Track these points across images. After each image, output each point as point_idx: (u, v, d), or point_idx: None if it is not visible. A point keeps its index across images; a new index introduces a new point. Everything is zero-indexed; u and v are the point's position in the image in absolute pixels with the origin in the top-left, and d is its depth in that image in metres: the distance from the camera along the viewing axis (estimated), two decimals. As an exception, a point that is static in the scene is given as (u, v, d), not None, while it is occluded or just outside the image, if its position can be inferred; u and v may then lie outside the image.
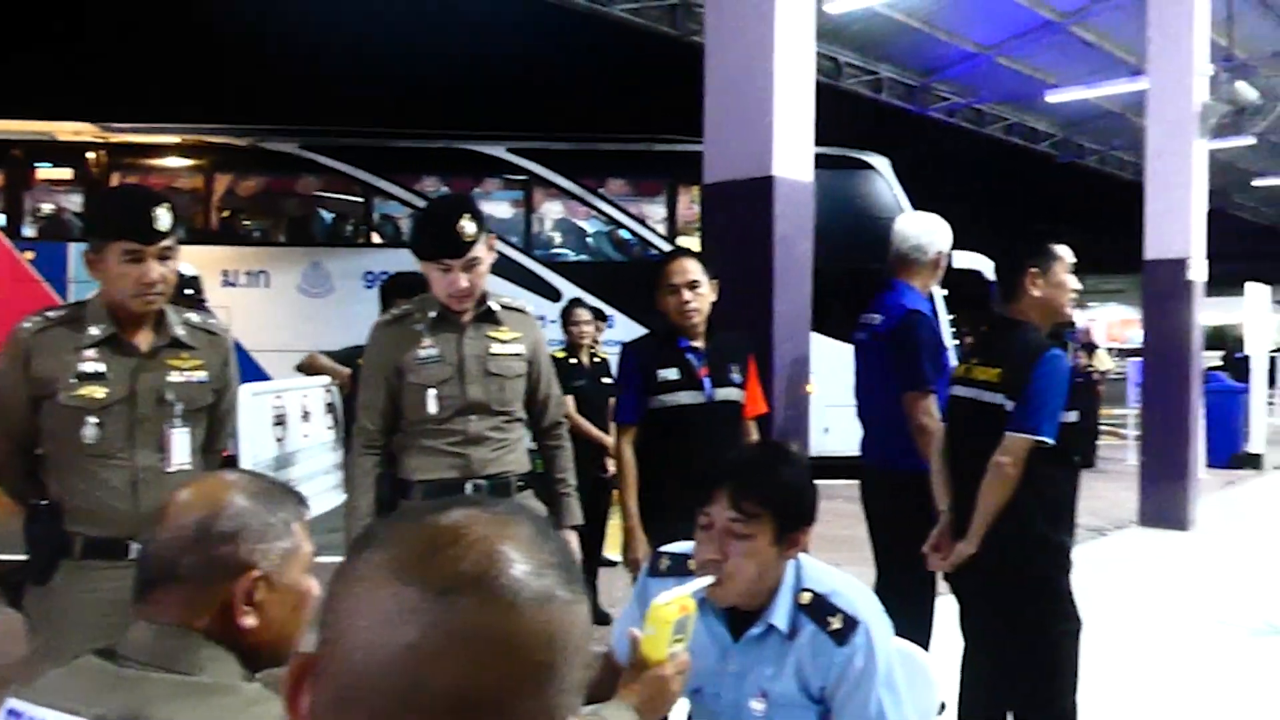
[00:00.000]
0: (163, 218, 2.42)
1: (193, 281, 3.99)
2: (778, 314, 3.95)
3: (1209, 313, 19.50)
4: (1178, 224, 7.64)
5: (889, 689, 1.84)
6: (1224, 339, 21.53)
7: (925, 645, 3.80)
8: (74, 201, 10.49)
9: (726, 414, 3.46)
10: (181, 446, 2.54)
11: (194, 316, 2.70)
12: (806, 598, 1.88)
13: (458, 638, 0.65)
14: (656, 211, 11.25)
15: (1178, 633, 5.23)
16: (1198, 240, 7.68)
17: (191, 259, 9.60)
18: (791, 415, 4.08)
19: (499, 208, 11.14)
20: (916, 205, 10.40)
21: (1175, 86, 7.67)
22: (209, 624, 1.29)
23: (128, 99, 14.43)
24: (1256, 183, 19.61)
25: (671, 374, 3.37)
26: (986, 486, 2.89)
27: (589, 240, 11.20)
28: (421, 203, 10.55)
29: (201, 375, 2.61)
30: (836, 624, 1.84)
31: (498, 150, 10.68)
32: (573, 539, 2.99)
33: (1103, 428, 12.89)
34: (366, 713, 0.65)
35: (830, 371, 5.61)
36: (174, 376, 2.55)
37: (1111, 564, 6.81)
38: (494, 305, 2.92)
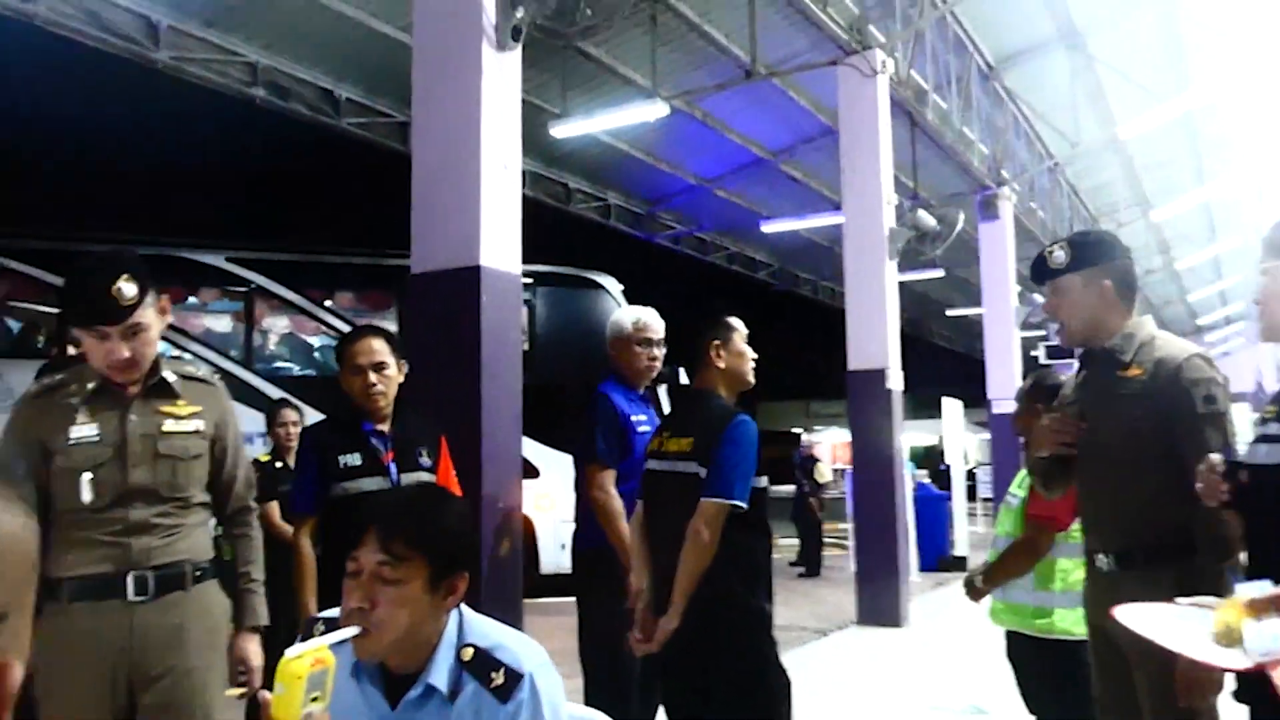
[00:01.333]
0: None
1: None
2: (486, 403, 3.88)
3: (915, 434, 21.00)
4: (875, 337, 8.26)
5: None
6: (931, 458, 23.38)
7: None
8: None
9: None
10: None
11: None
12: (469, 653, 1.72)
13: None
14: (387, 326, 11.00)
15: (896, 718, 5.40)
16: (894, 352, 8.32)
17: None
18: (503, 510, 3.96)
19: (218, 320, 10.54)
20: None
21: (867, 214, 8.41)
22: None
23: None
24: (950, 313, 21.76)
25: (354, 459, 3.15)
26: (685, 555, 2.86)
27: (315, 354, 10.77)
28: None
29: None
30: (499, 679, 1.69)
31: (216, 259, 10.14)
32: (254, 642, 2.64)
33: (827, 540, 13.52)
34: None
35: (568, 487, 5.52)
36: None
37: (833, 660, 7.02)
38: (169, 375, 2.55)
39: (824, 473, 13.60)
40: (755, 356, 3.18)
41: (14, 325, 10.02)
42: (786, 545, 14.28)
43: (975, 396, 15.17)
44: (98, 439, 2.43)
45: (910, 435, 20.42)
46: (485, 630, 1.78)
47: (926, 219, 8.42)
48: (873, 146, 8.46)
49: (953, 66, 10.67)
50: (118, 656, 2.34)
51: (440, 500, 1.81)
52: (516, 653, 1.74)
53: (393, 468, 3.20)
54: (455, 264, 3.97)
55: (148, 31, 8.51)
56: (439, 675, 1.70)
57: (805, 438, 14.52)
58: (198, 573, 2.52)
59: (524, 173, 12.01)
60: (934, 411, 14.10)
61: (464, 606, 1.79)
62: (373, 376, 3.21)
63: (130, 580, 2.38)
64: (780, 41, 9.48)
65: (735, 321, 3.16)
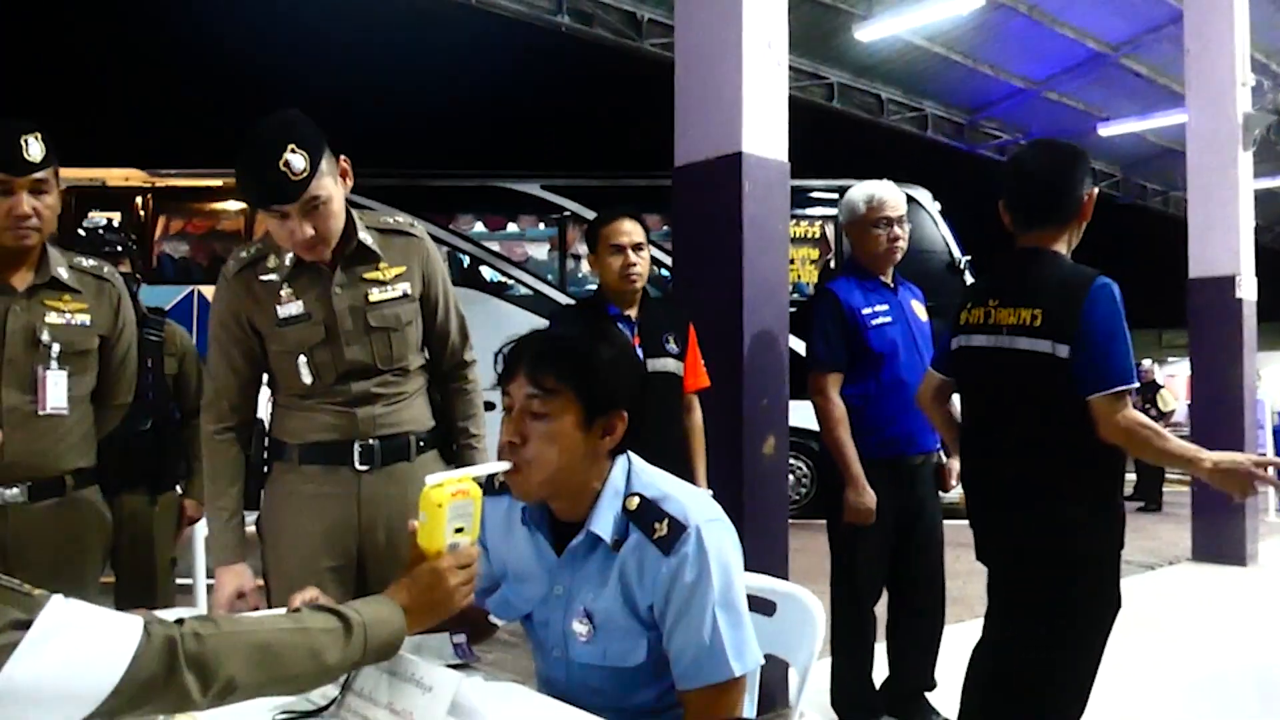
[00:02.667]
0: (33, 147, 2.33)
1: (115, 239, 3.81)
2: (748, 293, 3.74)
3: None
4: (1223, 240, 7.25)
5: (728, 609, 1.58)
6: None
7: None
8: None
9: (661, 387, 3.27)
10: (57, 390, 2.43)
11: (85, 260, 2.61)
12: (634, 502, 1.63)
13: None
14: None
15: (1226, 655, 4.82)
16: (1246, 257, 7.27)
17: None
18: (767, 408, 3.84)
19: (536, 247, 11.10)
20: (969, 243, 10.12)
21: (1215, 98, 7.34)
22: None
23: (175, 145, 14.87)
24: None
25: None
26: (1146, 458, 2.47)
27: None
28: (458, 242, 10.56)
29: (83, 319, 2.51)
30: (662, 530, 1.59)
31: (532, 188, 10.67)
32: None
33: (1171, 475, 12.25)
34: None
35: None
36: (52, 318, 2.45)
37: (1161, 595, 6.36)
38: (366, 237, 2.35)
39: (1167, 400, 12.32)
40: None
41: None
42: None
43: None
44: (307, 317, 2.32)
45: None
46: (655, 481, 1.68)
47: (1292, 100, 7.23)
48: (1224, 18, 7.33)
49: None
50: (344, 521, 2.34)
51: (594, 336, 1.69)
52: (684, 505, 1.63)
53: (639, 353, 3.19)
54: (716, 153, 3.84)
55: (462, -31, 9.00)
56: (602, 523, 1.63)
57: (1147, 364, 13.16)
58: (420, 443, 2.44)
59: (832, 84, 11.83)
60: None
61: (634, 456, 1.71)
62: (632, 256, 3.22)
63: (356, 449, 2.34)
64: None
65: None
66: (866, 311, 3.49)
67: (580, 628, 1.65)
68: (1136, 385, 2.44)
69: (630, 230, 3.25)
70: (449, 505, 1.46)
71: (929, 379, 3.01)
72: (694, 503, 1.64)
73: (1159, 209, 17.35)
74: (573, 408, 1.60)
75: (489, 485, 1.82)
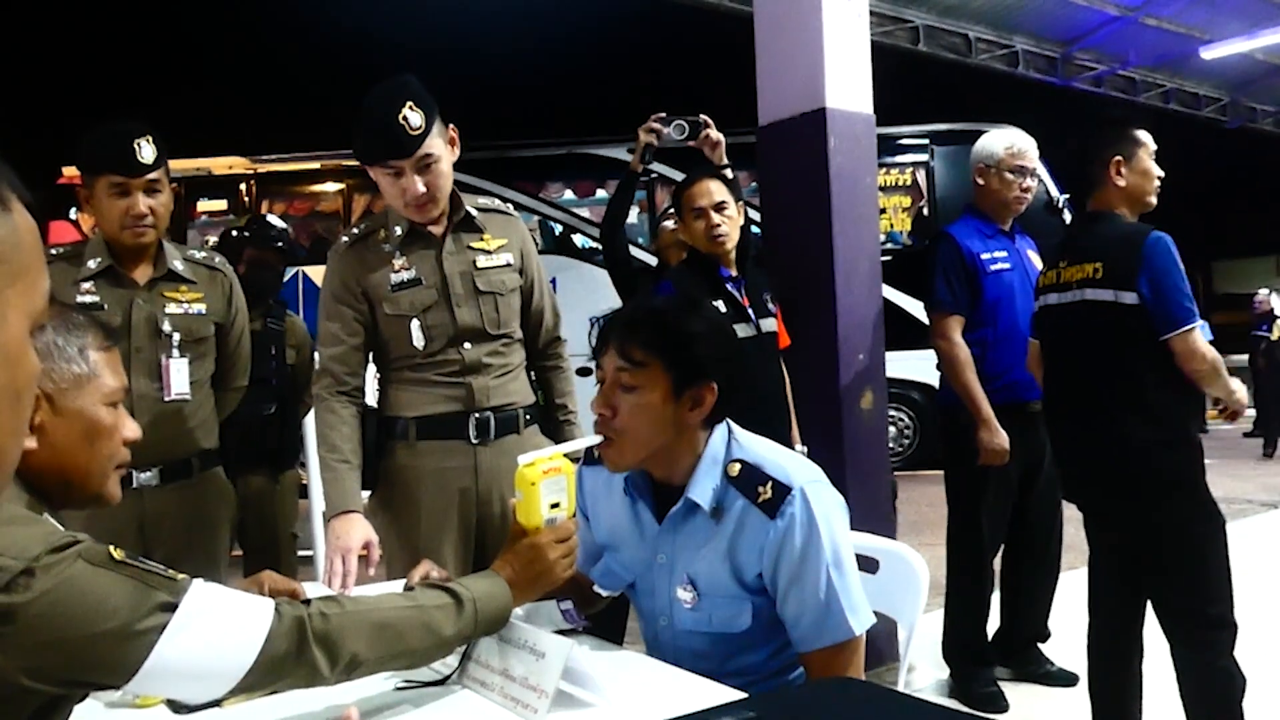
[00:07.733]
0: (145, 150, 2.45)
1: (282, 235, 3.99)
2: (839, 250, 3.72)
3: None
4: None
5: (840, 569, 1.59)
6: None
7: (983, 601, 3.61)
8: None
9: (770, 346, 3.28)
10: (179, 376, 2.57)
11: (196, 252, 2.74)
12: (735, 469, 1.65)
13: None
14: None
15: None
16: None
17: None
18: (865, 365, 3.83)
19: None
20: (1067, 183, 9.80)
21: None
22: None
23: (274, 131, 15.25)
24: None
25: (719, 306, 3.09)
26: (1211, 389, 2.63)
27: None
28: (549, 210, 10.65)
29: (199, 307, 2.64)
30: (766, 493, 1.60)
31: (618, 152, 10.66)
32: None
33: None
34: None
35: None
36: (171, 308, 2.59)
37: None
38: (471, 210, 2.47)
39: (1286, 330, 11.80)
40: (1161, 175, 2.79)
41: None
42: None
43: None
44: (419, 281, 2.39)
45: None
46: (754, 446, 1.70)
47: None
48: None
49: None
50: (464, 493, 2.41)
51: (682, 308, 1.70)
52: (786, 467, 1.64)
53: (751, 313, 3.19)
54: (800, 110, 3.81)
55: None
56: (700, 491, 1.65)
57: (1264, 293, 12.55)
58: (527, 416, 2.51)
59: (917, 27, 11.51)
60: None
61: (735, 426, 1.73)
62: (715, 217, 3.16)
63: (472, 422, 2.39)
64: None
65: (1143, 135, 2.79)
66: (985, 256, 3.50)
67: (684, 594, 1.68)
68: (1201, 323, 2.58)
69: (711, 190, 3.17)
70: (542, 482, 1.52)
71: (1030, 346, 3.09)
72: (795, 465, 1.65)
73: (1271, 131, 16.50)
74: (661, 379, 1.62)
75: (588, 455, 1.87)
